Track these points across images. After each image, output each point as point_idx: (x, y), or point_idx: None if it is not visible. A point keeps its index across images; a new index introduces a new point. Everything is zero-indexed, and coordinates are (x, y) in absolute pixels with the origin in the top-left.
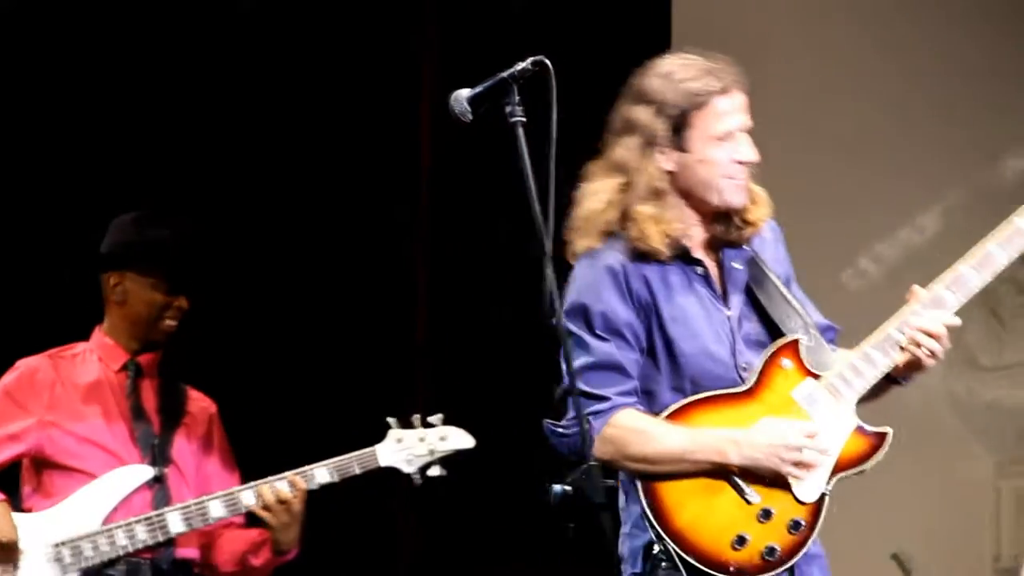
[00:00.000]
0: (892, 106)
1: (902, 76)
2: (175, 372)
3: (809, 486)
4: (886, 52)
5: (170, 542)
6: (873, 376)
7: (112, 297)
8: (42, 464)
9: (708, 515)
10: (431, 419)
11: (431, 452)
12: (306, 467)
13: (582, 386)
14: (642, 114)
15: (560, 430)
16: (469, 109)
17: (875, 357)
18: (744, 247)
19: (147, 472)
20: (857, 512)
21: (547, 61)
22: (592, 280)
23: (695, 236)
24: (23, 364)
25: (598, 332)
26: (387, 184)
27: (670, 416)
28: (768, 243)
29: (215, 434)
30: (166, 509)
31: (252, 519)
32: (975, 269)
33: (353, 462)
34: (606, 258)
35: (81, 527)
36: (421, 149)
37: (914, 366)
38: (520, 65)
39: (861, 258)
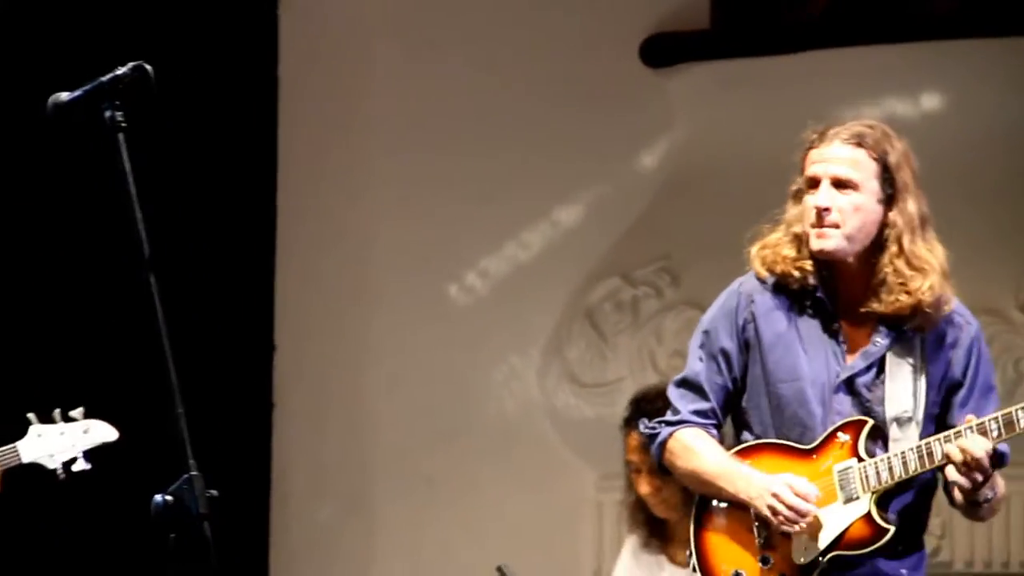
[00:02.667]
0: (492, 124)
1: (503, 99)
2: None
3: (804, 550)
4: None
5: None
6: (899, 476)
7: None
8: None
9: (726, 543)
10: (72, 413)
11: (73, 446)
12: None
13: (669, 394)
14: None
15: (645, 429)
16: (68, 113)
17: (909, 460)
18: (907, 329)
19: None
20: (459, 523)
21: (147, 66)
22: (717, 302)
23: (839, 290)
24: None
25: (699, 350)
26: None
27: (740, 451)
28: (951, 340)
29: None
30: None
31: None
32: None
33: None
34: (735, 283)
35: None
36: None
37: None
38: (120, 70)
39: (468, 273)
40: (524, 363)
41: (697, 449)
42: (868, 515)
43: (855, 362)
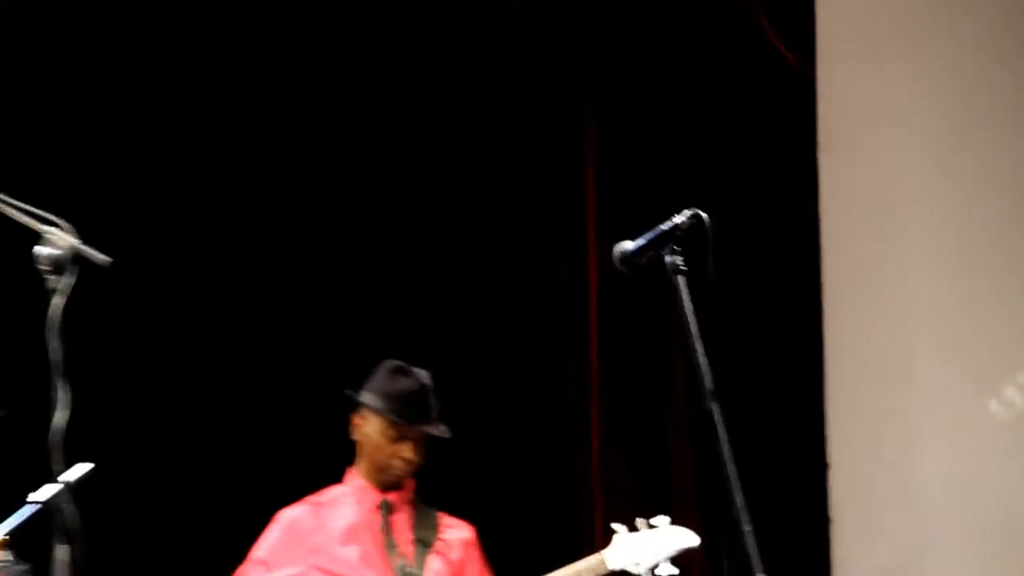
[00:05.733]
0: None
1: None
2: (429, 502)
3: None
4: None
5: None
6: None
7: (357, 437)
8: None
9: None
10: (654, 521)
11: (657, 553)
12: None
13: None
14: None
15: None
16: (633, 260)
17: None
18: None
19: None
20: None
21: (703, 214)
22: None
23: None
24: (285, 516)
25: None
26: (557, 309)
27: None
28: None
29: (472, 558)
30: None
31: None
32: None
33: (584, 571)
34: None
35: None
36: (590, 283)
37: None
38: (678, 218)
39: (1008, 387)
40: None
41: None
42: None
43: None
